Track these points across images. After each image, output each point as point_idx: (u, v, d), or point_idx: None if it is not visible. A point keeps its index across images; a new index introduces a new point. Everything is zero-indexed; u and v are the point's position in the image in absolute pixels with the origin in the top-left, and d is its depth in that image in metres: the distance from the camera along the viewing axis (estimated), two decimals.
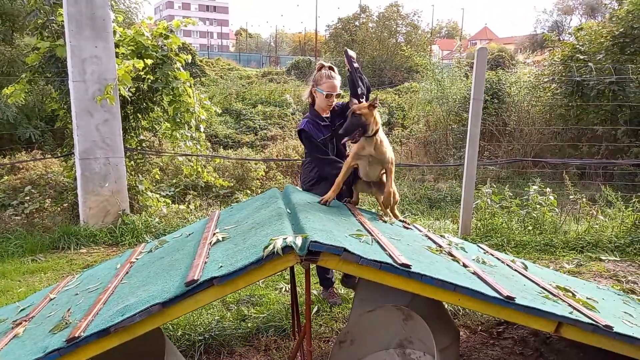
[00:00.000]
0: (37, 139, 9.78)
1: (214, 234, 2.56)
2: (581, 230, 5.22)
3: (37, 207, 5.98)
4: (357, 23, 30.40)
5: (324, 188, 3.09)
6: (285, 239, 2.02)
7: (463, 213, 5.28)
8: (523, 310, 2.16)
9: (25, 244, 5.01)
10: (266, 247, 2.00)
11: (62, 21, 5.37)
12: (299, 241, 2.02)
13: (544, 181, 6.46)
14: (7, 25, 11.09)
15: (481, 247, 3.39)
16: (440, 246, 2.79)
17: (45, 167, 7.54)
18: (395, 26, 29.25)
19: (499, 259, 3.15)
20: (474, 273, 2.44)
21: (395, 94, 19.69)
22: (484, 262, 2.81)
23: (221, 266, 2.06)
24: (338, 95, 3.38)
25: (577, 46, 9.37)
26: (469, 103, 5.29)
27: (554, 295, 2.51)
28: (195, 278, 2.00)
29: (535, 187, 5.55)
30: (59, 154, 6.94)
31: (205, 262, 2.20)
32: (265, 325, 3.30)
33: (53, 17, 5.73)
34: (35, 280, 4.28)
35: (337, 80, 3.36)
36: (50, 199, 6.21)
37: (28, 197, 6.12)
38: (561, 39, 17.16)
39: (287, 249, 1.99)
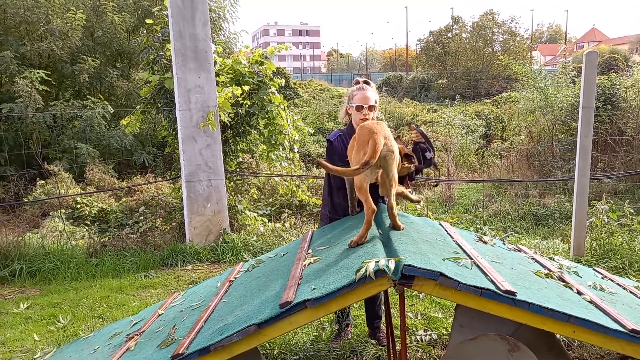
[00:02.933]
0: (150, 163, 10.71)
1: (307, 255, 2.57)
2: None
3: (150, 226, 6.51)
4: (449, 35, 29.65)
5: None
6: (378, 262, 1.97)
7: (575, 232, 4.82)
8: None
9: (139, 260, 5.45)
10: (358, 270, 1.96)
11: (170, 56, 5.86)
12: (392, 265, 1.95)
13: None
14: (125, 62, 12.40)
15: (598, 272, 3.04)
16: (550, 270, 2.55)
17: (157, 189, 8.21)
18: (491, 35, 28.05)
19: (620, 285, 2.80)
20: (591, 301, 2.19)
21: (493, 104, 18.80)
22: (602, 289, 2.51)
23: (314, 288, 2.06)
24: (371, 108, 3.08)
25: None
26: (578, 111, 4.87)
27: None
28: (289, 300, 2.01)
29: None
30: (168, 177, 7.52)
31: (299, 284, 2.21)
32: (360, 348, 3.24)
33: (162, 53, 6.28)
34: (147, 295, 4.63)
35: (370, 92, 3.09)
36: (160, 219, 6.73)
37: (142, 217, 6.71)
38: None
39: (380, 272, 1.93)
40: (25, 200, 7.88)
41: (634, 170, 7.64)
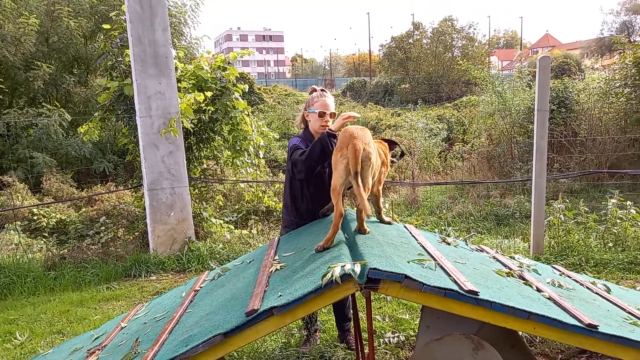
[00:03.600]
0: (111, 171, 10.41)
1: (273, 261, 2.55)
2: None
3: (112, 236, 6.31)
4: (410, 40, 30.23)
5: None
6: (344, 266, 1.97)
7: (534, 230, 4.99)
8: (608, 339, 1.97)
9: (100, 272, 5.28)
10: (324, 275, 1.96)
11: (129, 61, 5.73)
12: (357, 269, 1.96)
13: (623, 193, 5.98)
14: (82, 69, 12.03)
15: (556, 269, 3.15)
16: (511, 269, 2.63)
17: (118, 198, 7.99)
18: (450, 40, 28.78)
19: (577, 281, 2.91)
20: (550, 298, 2.26)
21: (454, 108, 19.27)
22: (560, 286, 2.60)
23: (280, 295, 2.04)
24: (332, 115, 3.13)
25: None
26: (533, 114, 5.04)
27: None
28: (255, 308, 1.99)
29: (613, 200, 5.15)
30: (130, 186, 7.33)
31: (265, 291, 2.19)
32: (329, 353, 3.24)
33: (121, 59, 6.13)
34: (109, 307, 4.49)
35: (330, 99, 3.16)
36: (123, 229, 6.54)
37: (103, 227, 6.49)
38: (632, 40, 16.10)
39: (346, 277, 1.94)
40: None
41: (588, 170, 7.96)
